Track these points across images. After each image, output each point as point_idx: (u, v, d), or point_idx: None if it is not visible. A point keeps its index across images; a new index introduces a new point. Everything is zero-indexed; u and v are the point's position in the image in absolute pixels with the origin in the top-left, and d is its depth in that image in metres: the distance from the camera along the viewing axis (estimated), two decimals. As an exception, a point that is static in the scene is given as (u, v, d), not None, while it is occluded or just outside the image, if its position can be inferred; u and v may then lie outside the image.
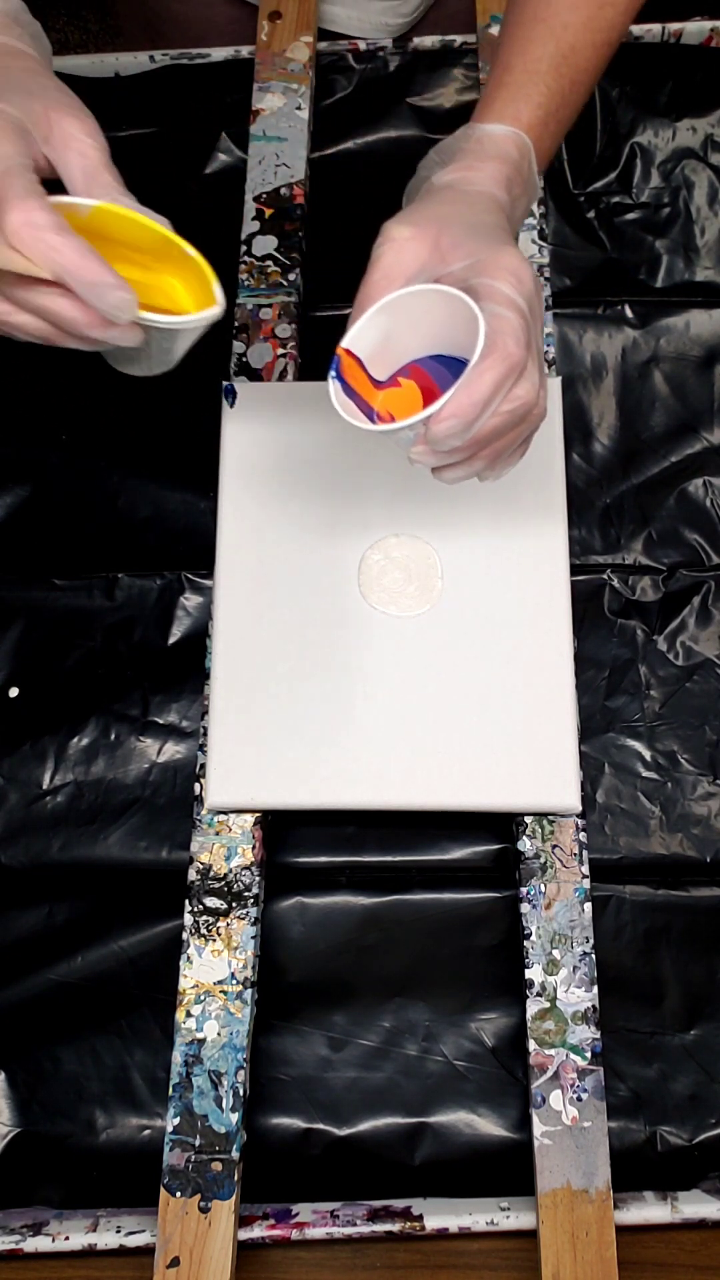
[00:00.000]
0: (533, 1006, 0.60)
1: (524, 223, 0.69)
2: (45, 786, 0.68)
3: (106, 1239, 0.58)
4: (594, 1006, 0.60)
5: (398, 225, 0.49)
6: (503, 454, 0.51)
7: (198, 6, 0.90)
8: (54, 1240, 0.58)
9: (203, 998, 0.60)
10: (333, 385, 0.49)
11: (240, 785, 0.62)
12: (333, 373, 0.49)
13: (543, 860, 0.62)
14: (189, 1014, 0.60)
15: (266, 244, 0.75)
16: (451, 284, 0.49)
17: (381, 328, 0.49)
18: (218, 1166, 0.57)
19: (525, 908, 0.62)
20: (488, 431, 0.49)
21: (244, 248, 0.75)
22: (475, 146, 0.55)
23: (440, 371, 0.50)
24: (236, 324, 0.73)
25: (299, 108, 0.78)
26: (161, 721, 0.69)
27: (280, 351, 0.72)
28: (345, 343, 0.49)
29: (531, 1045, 0.59)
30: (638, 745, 0.68)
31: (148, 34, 0.97)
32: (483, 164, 0.54)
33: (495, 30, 0.81)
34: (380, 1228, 0.58)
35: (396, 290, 0.48)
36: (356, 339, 0.49)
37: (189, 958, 0.61)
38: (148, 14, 0.95)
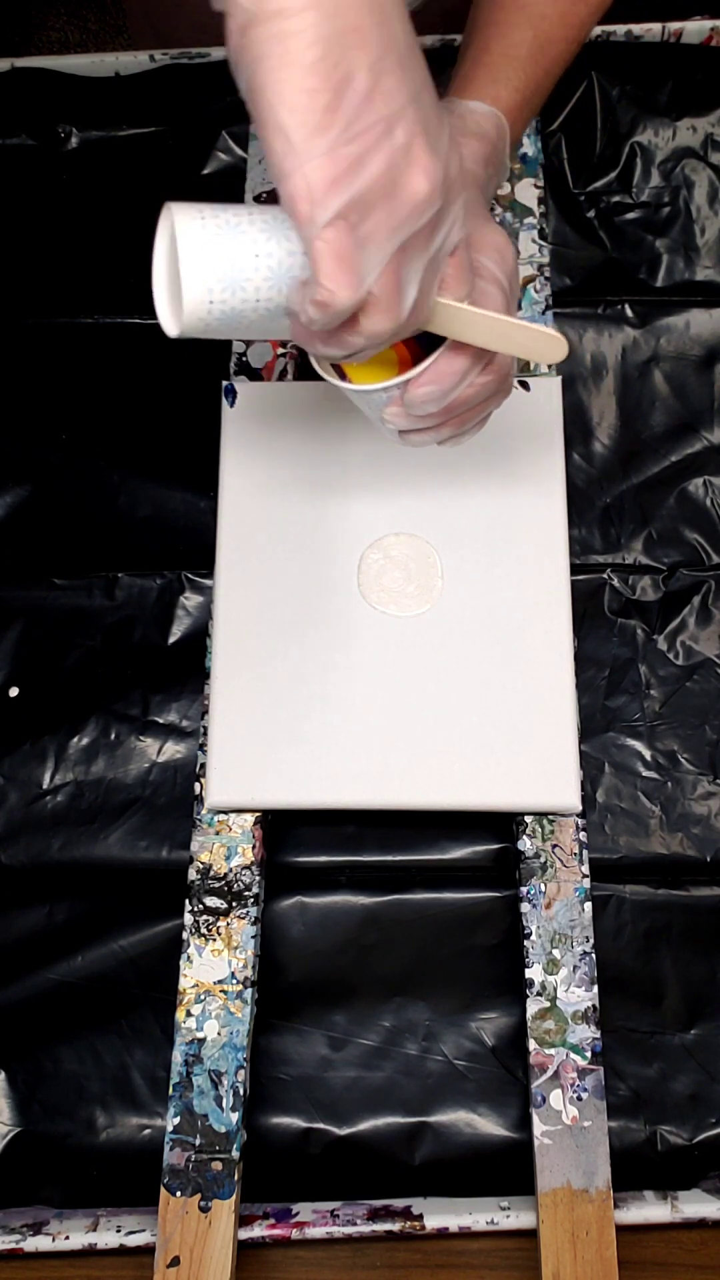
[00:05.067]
0: (533, 1006, 0.60)
1: (525, 221, 0.69)
2: (45, 786, 0.68)
3: (106, 1238, 0.58)
4: (594, 1006, 0.60)
5: None
6: (468, 423, 0.52)
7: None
8: (54, 1240, 0.58)
9: (203, 997, 0.60)
10: None
11: (240, 785, 0.62)
12: None
13: (543, 860, 0.62)
14: (189, 1013, 0.60)
15: (266, 244, 0.75)
16: None
17: None
18: (218, 1166, 0.57)
19: (525, 907, 0.62)
20: (460, 401, 0.50)
21: (244, 247, 0.75)
22: (457, 122, 0.56)
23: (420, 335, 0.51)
24: (236, 324, 0.73)
25: (299, 107, 0.78)
26: (161, 721, 0.69)
27: (280, 351, 0.72)
28: None
29: (531, 1045, 0.59)
30: (638, 745, 0.68)
31: (151, 24, 0.96)
32: (464, 140, 0.55)
33: (495, 30, 0.81)
34: (380, 1227, 0.58)
35: None
36: None
37: (189, 957, 0.61)
38: (150, 4, 0.94)
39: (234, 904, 0.62)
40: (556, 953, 0.61)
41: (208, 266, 0.42)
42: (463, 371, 0.48)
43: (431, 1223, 0.58)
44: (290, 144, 0.37)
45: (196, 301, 0.43)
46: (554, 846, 0.63)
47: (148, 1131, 0.62)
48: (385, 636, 0.65)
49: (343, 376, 0.51)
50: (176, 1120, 0.58)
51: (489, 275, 0.49)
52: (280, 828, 0.66)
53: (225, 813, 0.64)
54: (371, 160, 0.38)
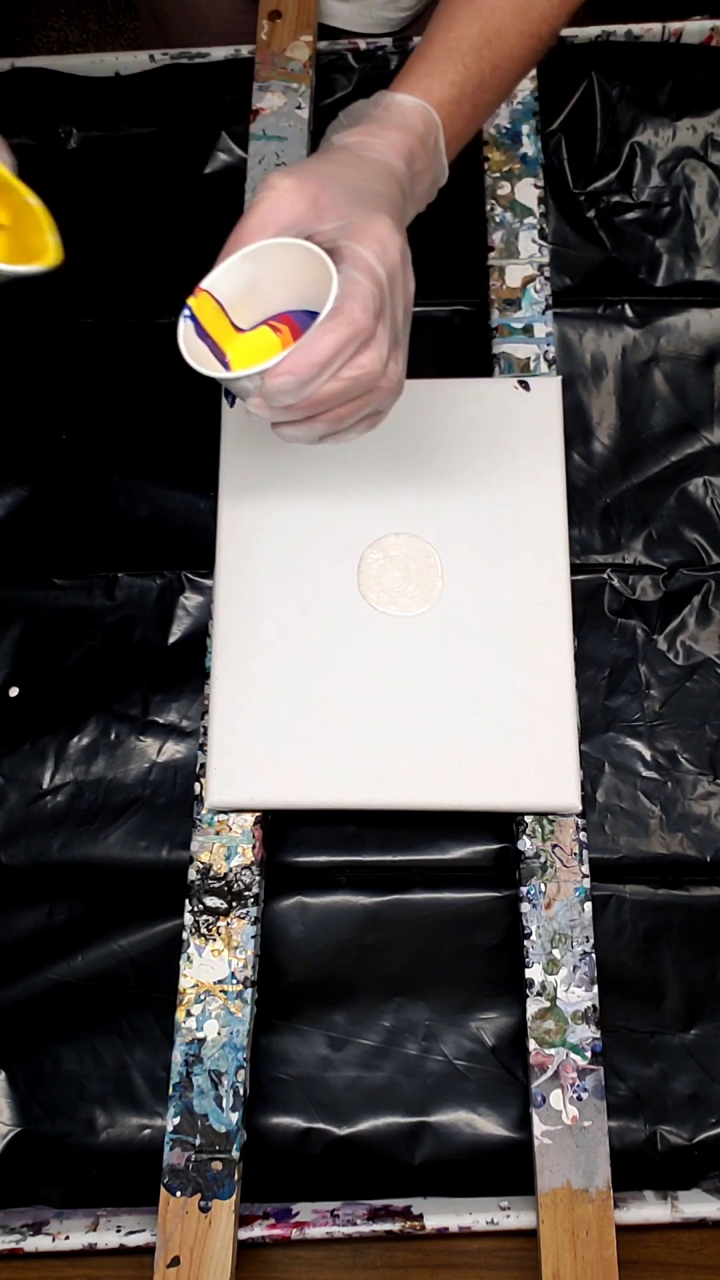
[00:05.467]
0: (533, 1006, 0.60)
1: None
2: (45, 786, 0.68)
3: (106, 1238, 0.58)
4: (594, 1006, 0.60)
5: (281, 176, 0.49)
6: (345, 420, 0.51)
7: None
8: (54, 1240, 0.58)
9: (203, 997, 0.60)
10: (183, 324, 0.49)
11: (240, 785, 0.62)
12: (185, 312, 0.49)
13: (543, 860, 0.62)
14: (189, 1013, 0.60)
15: (266, 244, 0.75)
16: (322, 242, 0.49)
17: (247, 274, 0.49)
18: (218, 1166, 0.57)
19: (525, 907, 0.62)
20: (325, 395, 0.48)
21: (244, 247, 0.75)
22: (382, 114, 0.55)
23: (310, 325, 0.50)
24: (236, 324, 0.73)
25: (299, 107, 0.78)
26: (161, 721, 0.69)
27: (280, 351, 0.72)
28: (205, 283, 0.49)
29: (531, 1045, 0.59)
30: (638, 745, 0.68)
31: (155, 20, 0.97)
32: (385, 131, 0.54)
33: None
34: (380, 1227, 0.58)
35: (267, 239, 0.48)
36: (218, 281, 0.49)
37: (189, 957, 0.61)
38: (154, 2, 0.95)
39: (234, 904, 0.62)
40: (556, 953, 0.61)
41: None
42: (321, 362, 0.47)
43: (431, 1223, 0.58)
44: None
45: None
46: (554, 846, 0.63)
47: (148, 1131, 0.62)
48: (385, 636, 0.65)
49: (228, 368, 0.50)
50: (176, 1120, 0.58)
51: (363, 265, 0.48)
52: (280, 828, 0.66)
53: (225, 813, 0.64)
54: None
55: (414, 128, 0.54)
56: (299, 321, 0.51)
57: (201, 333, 0.49)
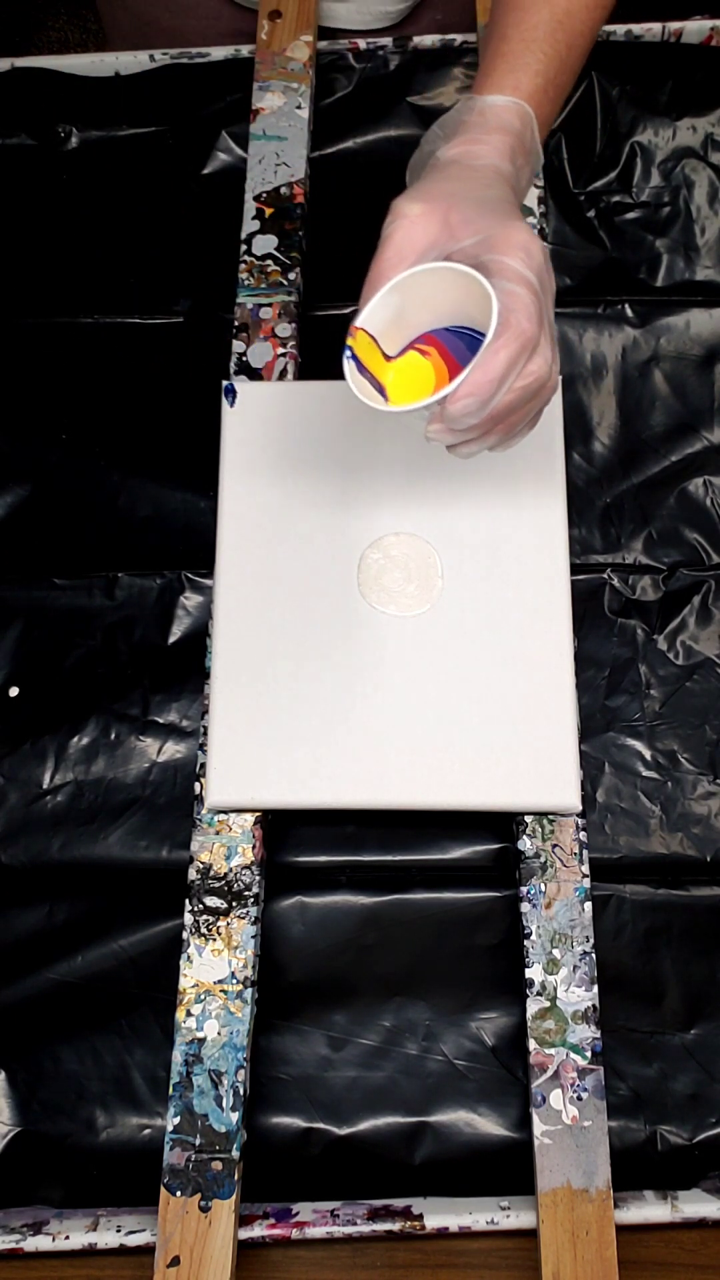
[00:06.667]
0: (533, 1006, 0.60)
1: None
2: (45, 786, 0.68)
3: (106, 1238, 0.58)
4: (594, 1006, 0.60)
5: (408, 202, 0.50)
6: (516, 426, 0.52)
7: (190, 19, 0.90)
8: (54, 1240, 0.58)
9: (203, 997, 0.60)
10: (348, 365, 0.49)
11: (240, 785, 0.62)
12: (347, 353, 0.49)
13: (543, 859, 0.62)
14: (189, 1013, 0.60)
15: (266, 243, 0.75)
16: (462, 260, 0.49)
17: (394, 305, 0.50)
18: (218, 1166, 0.57)
19: (525, 907, 0.62)
20: (503, 407, 0.49)
21: (244, 247, 0.75)
22: (478, 119, 0.55)
23: (455, 343, 0.51)
24: (236, 323, 0.73)
25: (299, 107, 0.78)
26: (161, 721, 0.69)
27: (280, 351, 0.72)
28: (359, 321, 0.49)
29: (531, 1044, 0.59)
30: (638, 744, 0.68)
31: (136, 40, 0.96)
32: (487, 136, 0.54)
33: (495, 30, 0.81)
34: (380, 1227, 0.58)
35: (408, 268, 0.49)
36: (370, 317, 0.50)
37: (189, 957, 0.61)
38: (134, 20, 0.94)
39: (234, 904, 0.62)
40: (556, 953, 0.61)
41: None
42: (499, 378, 0.47)
43: (431, 1223, 0.58)
44: None
45: None
46: (554, 846, 0.63)
47: (148, 1131, 0.62)
48: (385, 636, 0.65)
49: (386, 398, 0.51)
50: (176, 1120, 0.58)
51: (514, 275, 0.48)
52: (280, 828, 0.66)
53: (225, 813, 0.64)
54: None
55: (511, 126, 0.55)
56: (443, 340, 0.51)
57: (362, 369, 0.50)
